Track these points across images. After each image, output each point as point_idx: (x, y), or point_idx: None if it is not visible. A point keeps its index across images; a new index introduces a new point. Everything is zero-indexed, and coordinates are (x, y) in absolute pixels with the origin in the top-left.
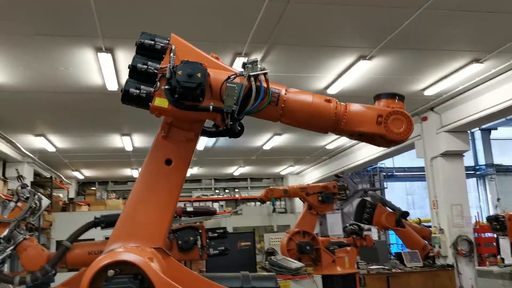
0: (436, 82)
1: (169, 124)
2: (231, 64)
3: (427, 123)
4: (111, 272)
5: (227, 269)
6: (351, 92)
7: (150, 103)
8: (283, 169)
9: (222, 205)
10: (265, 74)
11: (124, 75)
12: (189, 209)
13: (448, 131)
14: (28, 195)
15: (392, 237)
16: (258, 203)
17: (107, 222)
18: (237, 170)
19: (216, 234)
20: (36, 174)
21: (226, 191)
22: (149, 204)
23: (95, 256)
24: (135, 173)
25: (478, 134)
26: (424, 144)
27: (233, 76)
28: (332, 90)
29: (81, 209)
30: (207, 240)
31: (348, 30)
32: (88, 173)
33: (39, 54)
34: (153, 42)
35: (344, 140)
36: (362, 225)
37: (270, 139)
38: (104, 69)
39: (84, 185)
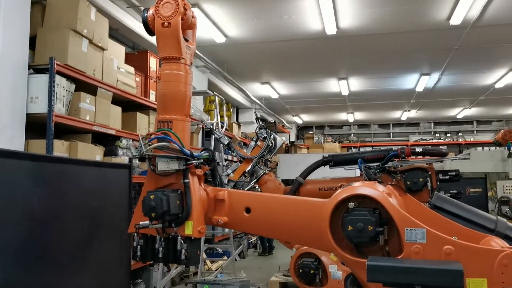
0: None
1: (210, 217)
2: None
3: None
4: (351, 204)
5: None
6: None
7: (191, 239)
8: None
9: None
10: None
11: (342, 18)
12: (418, 150)
13: None
14: (266, 135)
15: None
16: (487, 148)
17: (335, 161)
18: (461, 112)
19: (447, 177)
20: (262, 119)
21: (448, 135)
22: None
23: (325, 192)
24: (350, 117)
25: None
26: None
27: (151, 168)
28: None
29: (301, 152)
30: (437, 183)
31: None
32: (306, 117)
33: (264, 5)
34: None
35: None
36: None
37: (504, 75)
38: (324, 13)
39: (302, 130)
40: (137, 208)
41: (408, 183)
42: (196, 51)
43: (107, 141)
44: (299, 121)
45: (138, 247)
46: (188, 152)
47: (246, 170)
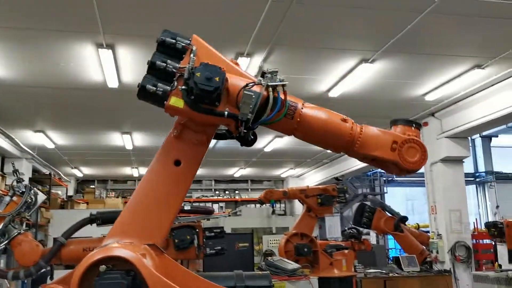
0: (437, 87)
1: (182, 124)
2: None
3: (428, 129)
4: (102, 268)
5: (224, 269)
6: (352, 95)
7: (165, 102)
8: (284, 172)
9: (222, 207)
10: (283, 85)
11: (125, 73)
12: (187, 208)
13: (448, 137)
14: (24, 190)
15: (391, 241)
16: (258, 205)
17: (103, 219)
18: (237, 172)
19: (213, 234)
20: (35, 171)
21: (226, 192)
22: (152, 203)
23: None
24: (135, 172)
25: (478, 141)
26: None
27: (251, 84)
28: (333, 93)
29: (80, 207)
30: (204, 240)
31: (351, 33)
32: (87, 171)
33: (40, 49)
34: (174, 40)
35: None
36: (361, 229)
37: (271, 141)
38: (104, 65)
39: (83, 183)
40: None
41: (176, 241)
42: None
43: None
44: (79, 174)
45: None
46: (246, 119)
47: None
